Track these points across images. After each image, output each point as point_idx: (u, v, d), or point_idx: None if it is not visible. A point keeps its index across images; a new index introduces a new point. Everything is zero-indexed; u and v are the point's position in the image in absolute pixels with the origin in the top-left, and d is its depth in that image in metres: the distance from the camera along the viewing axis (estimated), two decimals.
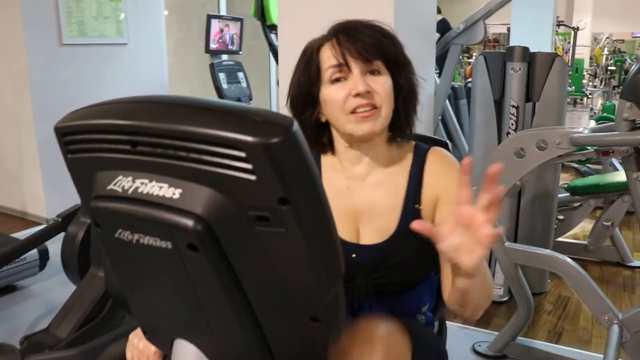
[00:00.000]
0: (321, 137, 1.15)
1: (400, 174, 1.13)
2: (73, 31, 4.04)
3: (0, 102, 4.13)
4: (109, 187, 0.62)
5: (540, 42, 6.61)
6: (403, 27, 2.22)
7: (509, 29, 9.06)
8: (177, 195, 0.56)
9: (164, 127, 0.54)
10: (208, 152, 0.52)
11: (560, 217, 3.33)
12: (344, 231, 1.11)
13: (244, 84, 4.08)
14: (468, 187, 0.85)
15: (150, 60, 4.68)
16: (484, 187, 0.82)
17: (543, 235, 2.86)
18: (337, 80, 1.06)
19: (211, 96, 4.01)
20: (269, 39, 3.73)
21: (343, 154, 1.14)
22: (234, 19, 4.13)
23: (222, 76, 3.87)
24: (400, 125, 1.12)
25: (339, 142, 1.13)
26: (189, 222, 0.55)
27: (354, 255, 1.11)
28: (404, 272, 1.10)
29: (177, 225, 0.55)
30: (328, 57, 1.06)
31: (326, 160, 1.17)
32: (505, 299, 2.71)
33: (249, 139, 0.49)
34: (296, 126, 0.50)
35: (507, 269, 2.21)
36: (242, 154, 0.50)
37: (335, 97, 1.05)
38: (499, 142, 2.73)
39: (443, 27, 4.38)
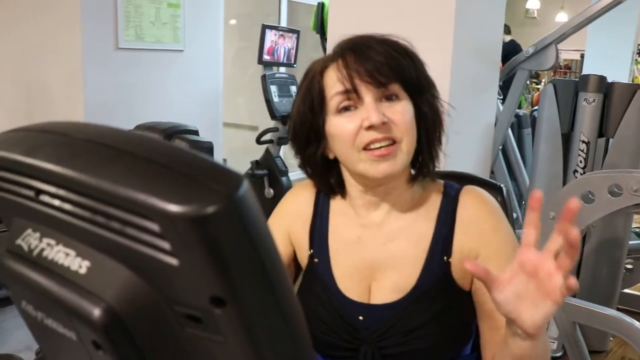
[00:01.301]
0: (329, 177, 0.96)
1: (425, 218, 0.93)
2: (130, 35, 4.03)
3: (53, 102, 4.16)
4: (17, 242, 0.46)
5: (617, 71, 6.19)
6: (463, 49, 2.01)
7: (582, 56, 8.61)
8: (83, 270, 0.39)
9: (65, 173, 0.37)
10: (115, 217, 0.35)
11: (629, 265, 3.00)
12: (353, 289, 0.93)
13: None
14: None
15: (206, 69, 4.62)
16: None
17: (608, 287, 2.56)
18: (346, 109, 0.88)
19: (263, 108, 3.89)
20: None
21: (356, 199, 0.95)
22: (290, 31, 4.01)
23: (273, 89, 3.74)
24: (423, 161, 0.92)
25: (351, 185, 0.95)
26: (94, 312, 0.38)
27: (360, 318, 0.92)
28: (421, 341, 0.88)
29: (79, 313, 0.38)
30: (333, 83, 0.88)
31: (336, 204, 0.99)
32: (559, 354, 2.43)
33: (164, 206, 0.32)
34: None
35: (563, 326, 1.95)
36: (155, 227, 0.33)
37: (343, 130, 0.87)
38: (564, 180, 2.47)
39: (511, 49, 4.11)
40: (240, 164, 4.77)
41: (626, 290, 3.00)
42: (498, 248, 0.90)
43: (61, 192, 0.38)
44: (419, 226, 0.94)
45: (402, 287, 0.91)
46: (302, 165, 0.97)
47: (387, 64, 0.85)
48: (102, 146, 0.38)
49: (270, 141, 3.84)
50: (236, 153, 5.77)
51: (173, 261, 0.34)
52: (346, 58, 0.87)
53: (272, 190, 3.73)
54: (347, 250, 0.96)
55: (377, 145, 0.85)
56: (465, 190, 0.95)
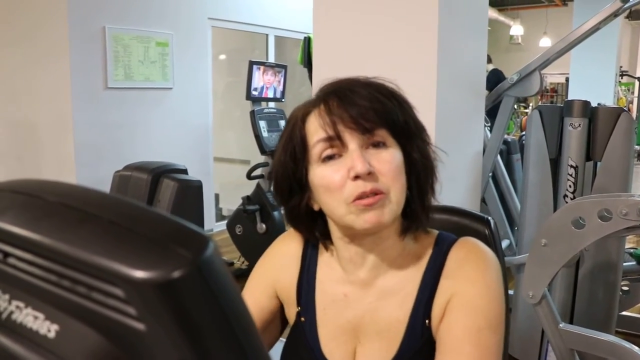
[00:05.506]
0: (314, 228, 0.89)
1: (412, 278, 0.86)
2: (119, 75, 4.05)
3: (43, 143, 4.16)
4: None
5: (602, 93, 6.29)
6: (447, 78, 2.04)
7: (567, 79, 8.74)
8: (52, 334, 0.38)
9: (30, 237, 0.36)
10: (81, 282, 0.34)
11: (625, 287, 2.99)
12: (337, 352, 0.88)
13: None
14: None
15: (195, 105, 4.65)
16: None
17: (605, 311, 2.54)
18: (329, 158, 0.81)
19: (254, 142, 3.90)
20: None
21: (342, 252, 0.88)
22: (278, 66, 4.05)
23: (262, 124, 3.76)
24: (414, 211, 0.85)
25: (337, 237, 0.88)
26: None
27: None
28: None
29: None
30: (315, 129, 0.82)
31: (323, 258, 0.93)
32: None
33: (127, 271, 0.31)
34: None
35: (561, 354, 1.92)
36: (119, 293, 0.32)
37: (329, 182, 0.80)
38: (555, 205, 2.47)
39: (494, 78, 4.17)
40: (233, 198, 4.76)
41: (624, 313, 2.98)
42: (468, 300, 0.81)
43: (27, 255, 0.37)
44: (406, 286, 0.86)
45: (386, 354, 0.85)
46: (287, 217, 0.92)
47: (372, 109, 0.79)
48: (69, 208, 0.37)
49: (260, 176, 3.84)
50: (228, 187, 5.77)
51: (139, 326, 0.33)
52: (329, 103, 0.81)
53: (264, 225, 3.72)
54: (334, 309, 0.89)
55: (365, 197, 0.79)
56: (458, 244, 0.87)
